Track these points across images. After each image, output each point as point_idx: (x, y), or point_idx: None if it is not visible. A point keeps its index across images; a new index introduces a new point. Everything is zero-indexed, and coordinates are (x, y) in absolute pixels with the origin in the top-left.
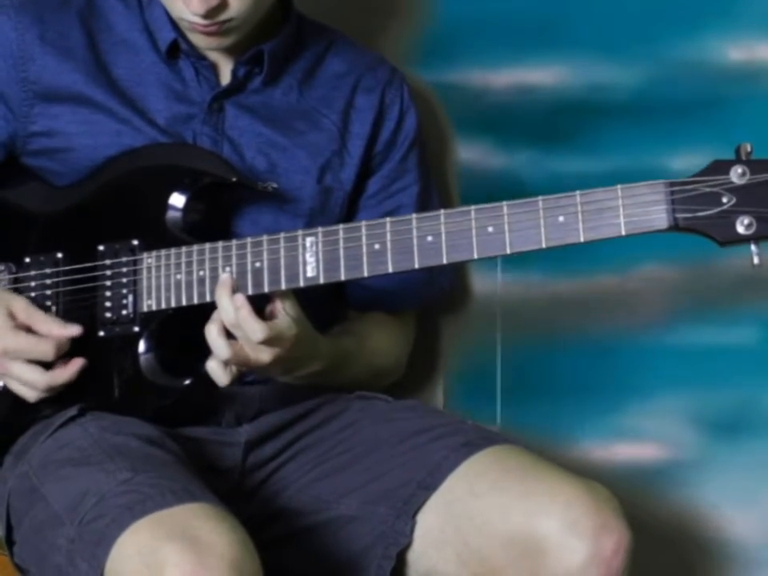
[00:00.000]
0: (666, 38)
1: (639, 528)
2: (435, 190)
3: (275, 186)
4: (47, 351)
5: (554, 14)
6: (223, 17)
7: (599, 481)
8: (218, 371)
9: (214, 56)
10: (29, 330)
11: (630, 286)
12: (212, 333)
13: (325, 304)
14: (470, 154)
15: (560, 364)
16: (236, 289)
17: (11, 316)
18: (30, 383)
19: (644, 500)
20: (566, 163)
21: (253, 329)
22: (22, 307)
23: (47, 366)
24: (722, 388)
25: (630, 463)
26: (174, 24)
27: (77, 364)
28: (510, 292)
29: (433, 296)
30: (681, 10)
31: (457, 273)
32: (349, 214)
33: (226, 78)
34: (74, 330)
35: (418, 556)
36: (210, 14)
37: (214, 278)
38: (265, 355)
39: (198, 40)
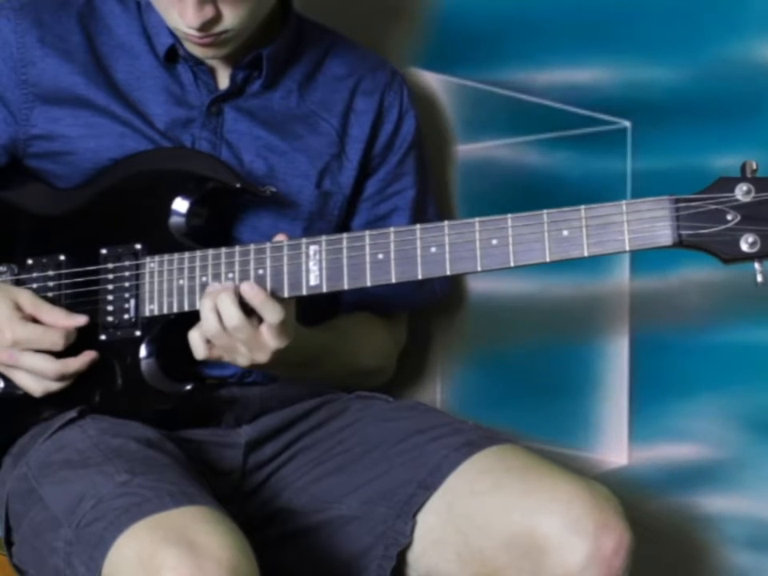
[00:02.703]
0: (709, 37)
1: (679, 527)
2: (432, 194)
3: (273, 189)
4: (57, 340)
5: (596, 14)
6: (218, 29)
7: (637, 482)
8: (197, 341)
9: (213, 60)
10: (35, 321)
11: (671, 286)
12: (194, 338)
13: (316, 304)
14: (503, 152)
15: (597, 364)
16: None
17: (18, 308)
18: (41, 372)
19: (685, 500)
20: (607, 163)
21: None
22: (27, 299)
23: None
24: (763, 388)
25: (672, 463)
26: (172, 29)
27: (89, 356)
28: (521, 293)
29: (424, 301)
30: (723, 10)
31: (451, 279)
32: (345, 216)
33: (224, 81)
34: (80, 319)
35: (418, 556)
36: (204, 26)
37: None
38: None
39: (194, 50)
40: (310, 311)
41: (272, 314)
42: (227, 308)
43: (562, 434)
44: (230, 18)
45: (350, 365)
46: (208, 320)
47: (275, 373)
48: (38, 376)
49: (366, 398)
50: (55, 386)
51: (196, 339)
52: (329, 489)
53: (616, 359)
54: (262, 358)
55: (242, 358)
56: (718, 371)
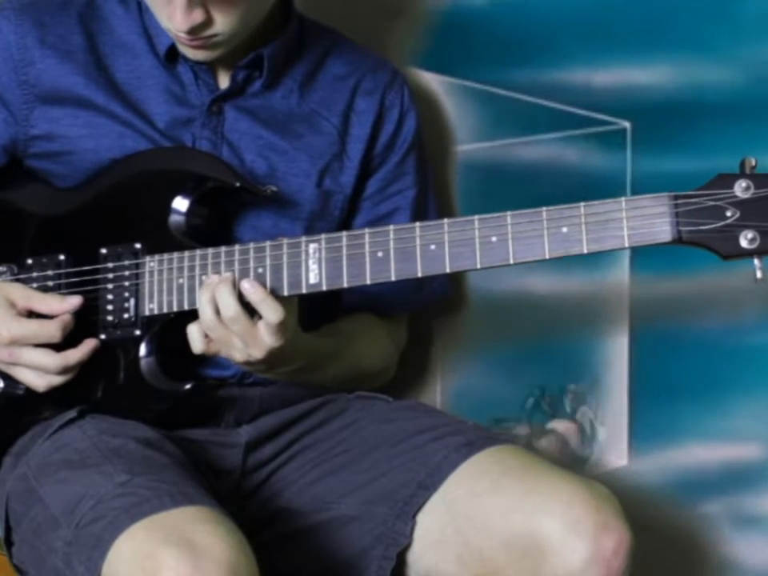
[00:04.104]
0: (709, 38)
1: (680, 527)
2: (434, 194)
3: (275, 188)
4: (53, 332)
5: (595, 15)
6: (208, 33)
7: (637, 482)
8: (195, 335)
9: (213, 60)
10: (30, 314)
11: (732, 284)
12: (192, 332)
13: (315, 304)
14: (503, 152)
15: (596, 364)
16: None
17: (12, 304)
18: (43, 366)
19: (685, 500)
20: (666, 163)
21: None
22: (19, 293)
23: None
24: (764, 387)
25: (672, 463)
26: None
27: (90, 344)
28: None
29: (424, 301)
30: (722, 10)
31: (451, 278)
32: (347, 216)
33: (225, 81)
34: (74, 301)
35: (418, 556)
36: (193, 30)
37: None
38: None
39: (185, 51)
40: (310, 314)
41: (270, 312)
42: (224, 299)
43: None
44: (221, 22)
45: (352, 369)
46: (205, 311)
47: (276, 378)
48: (40, 371)
49: (366, 398)
50: (58, 379)
51: (194, 333)
52: (329, 489)
53: (616, 359)
54: (258, 354)
55: (238, 353)
56: (718, 370)
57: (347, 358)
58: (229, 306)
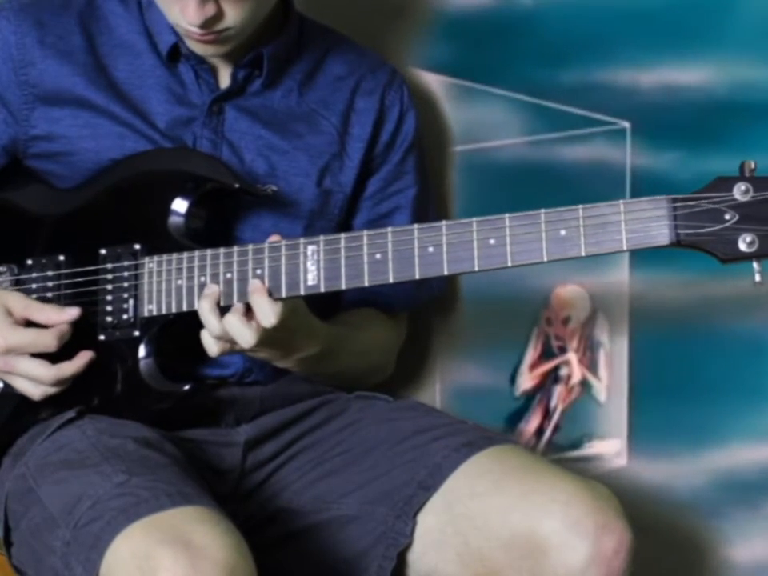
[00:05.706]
0: (709, 38)
1: (679, 527)
2: (433, 193)
3: (275, 188)
4: (49, 342)
5: (595, 15)
6: (220, 26)
7: (637, 482)
8: (209, 341)
9: (214, 59)
10: (28, 324)
11: (733, 285)
12: (205, 337)
13: (318, 303)
14: (503, 152)
15: (657, 363)
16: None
17: (9, 313)
18: (36, 378)
19: (685, 500)
20: (712, 163)
21: (242, 333)
22: (18, 302)
23: (53, 361)
24: (763, 387)
25: (672, 463)
26: (174, 28)
27: (85, 357)
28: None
29: (423, 299)
30: (722, 11)
31: (449, 277)
32: (346, 215)
33: (225, 80)
34: (72, 312)
35: (418, 556)
36: (206, 24)
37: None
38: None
39: (195, 47)
40: (312, 310)
41: (240, 337)
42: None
43: (561, 433)
44: (232, 15)
45: (363, 359)
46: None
47: (295, 368)
48: (34, 381)
49: (367, 398)
50: (52, 390)
51: (208, 338)
52: (329, 489)
53: (616, 359)
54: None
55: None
56: (718, 371)
57: (358, 346)
58: (215, 327)
